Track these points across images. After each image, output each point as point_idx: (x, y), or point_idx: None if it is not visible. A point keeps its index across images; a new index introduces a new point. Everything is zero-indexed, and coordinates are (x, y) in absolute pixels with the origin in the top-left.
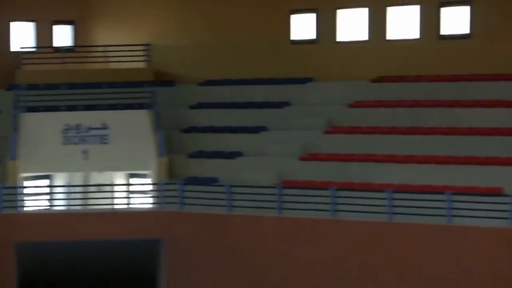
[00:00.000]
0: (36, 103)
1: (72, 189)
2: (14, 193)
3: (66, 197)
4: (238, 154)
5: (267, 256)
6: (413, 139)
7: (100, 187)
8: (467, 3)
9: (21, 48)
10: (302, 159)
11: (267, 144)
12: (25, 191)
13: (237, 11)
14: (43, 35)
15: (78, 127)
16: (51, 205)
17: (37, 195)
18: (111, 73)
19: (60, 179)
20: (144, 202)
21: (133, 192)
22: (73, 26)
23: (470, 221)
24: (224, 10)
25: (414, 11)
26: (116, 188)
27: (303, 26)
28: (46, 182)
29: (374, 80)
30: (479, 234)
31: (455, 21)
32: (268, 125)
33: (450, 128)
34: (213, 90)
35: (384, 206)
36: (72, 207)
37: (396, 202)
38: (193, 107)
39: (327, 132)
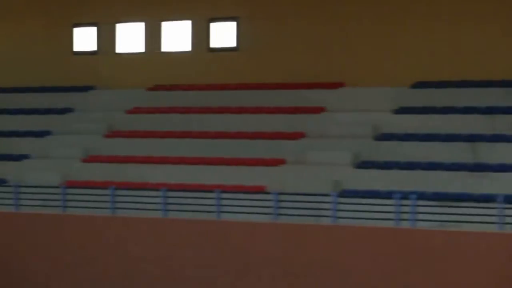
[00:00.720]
0: None
1: None
2: None
3: None
4: (25, 156)
5: (52, 252)
6: (186, 142)
7: None
8: (233, 19)
9: None
10: (85, 161)
11: (52, 148)
12: None
13: (22, 24)
14: None
15: None
16: None
17: None
18: None
19: None
20: None
21: None
22: None
23: (238, 217)
24: (11, 23)
25: (186, 25)
26: None
27: (84, 39)
28: None
29: (150, 89)
30: (245, 229)
31: (223, 35)
32: (53, 130)
33: (219, 132)
34: (1, 97)
35: (159, 203)
36: None
37: (171, 200)
38: None
39: (107, 136)
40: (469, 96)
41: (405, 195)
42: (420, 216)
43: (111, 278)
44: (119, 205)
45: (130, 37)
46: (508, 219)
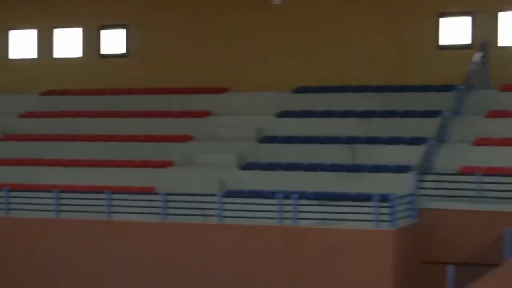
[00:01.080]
0: None
1: None
2: None
3: None
4: None
5: None
6: (77, 145)
7: None
8: (123, 27)
9: None
10: None
11: None
12: None
13: None
14: None
15: None
16: None
17: None
18: None
19: None
20: None
21: None
22: None
23: (128, 217)
24: None
25: (77, 32)
26: None
27: None
28: None
29: (43, 93)
30: (134, 228)
31: (113, 42)
32: None
33: (109, 135)
34: None
35: (52, 204)
36: None
37: (63, 201)
38: None
39: (0, 140)
40: (347, 100)
41: (287, 195)
42: (302, 215)
43: (1, 277)
44: (12, 206)
45: (22, 44)
46: (383, 217)
